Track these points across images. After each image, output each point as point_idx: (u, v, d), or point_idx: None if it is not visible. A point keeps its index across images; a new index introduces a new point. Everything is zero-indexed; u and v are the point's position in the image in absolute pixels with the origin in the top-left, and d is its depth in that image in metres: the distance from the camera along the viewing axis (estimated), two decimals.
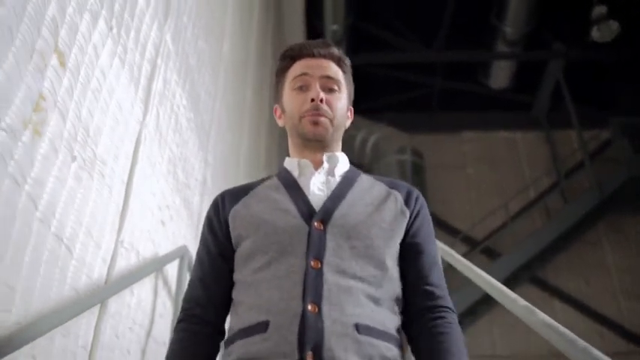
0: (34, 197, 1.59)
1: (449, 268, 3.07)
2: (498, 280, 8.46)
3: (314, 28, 10.44)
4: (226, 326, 1.31)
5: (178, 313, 1.39)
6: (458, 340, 1.21)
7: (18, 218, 1.52)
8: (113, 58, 2.18)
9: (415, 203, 1.38)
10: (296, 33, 9.81)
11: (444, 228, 11.11)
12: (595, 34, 10.99)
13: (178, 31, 3.10)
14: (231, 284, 1.31)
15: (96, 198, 2.01)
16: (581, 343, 1.51)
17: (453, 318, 1.25)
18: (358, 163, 11.12)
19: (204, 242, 1.40)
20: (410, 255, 1.31)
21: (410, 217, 1.34)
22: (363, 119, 11.35)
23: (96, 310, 2.06)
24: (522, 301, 1.91)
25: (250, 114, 5.78)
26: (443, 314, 1.25)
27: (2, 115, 1.43)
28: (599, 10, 10.96)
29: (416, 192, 1.43)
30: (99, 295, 1.99)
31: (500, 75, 12.00)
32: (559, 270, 10.71)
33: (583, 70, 11.96)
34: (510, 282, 9.87)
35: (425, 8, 11.33)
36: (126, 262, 2.29)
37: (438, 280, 1.31)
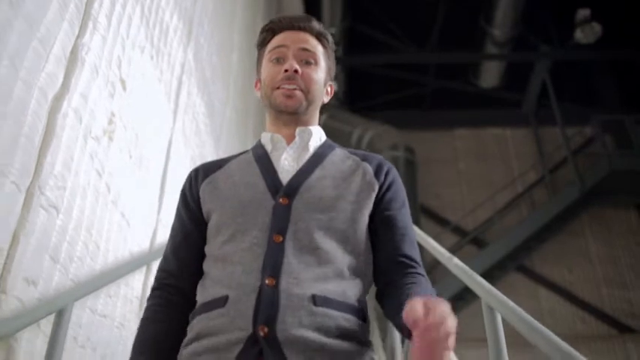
0: (109, 184, 2.26)
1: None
2: (485, 267, 9.23)
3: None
4: None
5: None
6: (426, 287, 1.22)
7: (99, 200, 2.18)
8: (154, 80, 2.85)
9: (386, 176, 1.35)
10: None
11: (435, 219, 11.74)
12: (579, 35, 11.60)
13: (197, 51, 3.76)
14: (203, 256, 1.31)
15: (144, 185, 2.68)
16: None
17: (424, 278, 1.25)
18: None
19: (178, 215, 1.40)
20: (382, 228, 1.30)
21: (380, 190, 1.32)
22: (360, 117, 11.94)
23: (144, 269, 2.73)
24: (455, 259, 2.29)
25: (254, 116, 6.44)
26: (415, 275, 1.25)
27: (93, 128, 2.09)
28: (583, 13, 11.56)
29: (387, 164, 1.39)
30: (145, 259, 2.65)
31: (489, 74, 12.57)
32: (544, 259, 11.32)
33: (568, 70, 12.53)
34: (497, 270, 10.56)
35: (418, 12, 11.92)
36: (163, 235, 2.96)
37: (410, 251, 1.29)
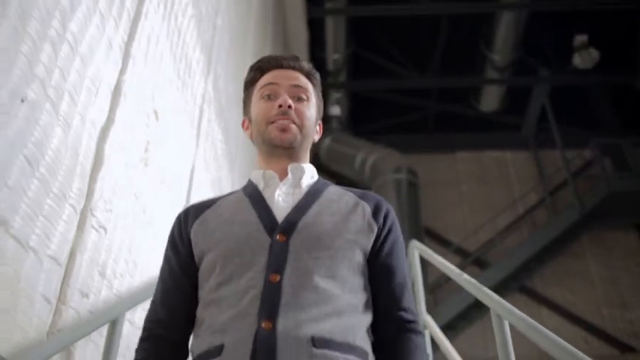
0: (144, 207, 2.47)
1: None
2: (488, 287, 9.40)
3: (317, 58, 11.29)
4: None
5: None
6: (421, 356, 1.23)
7: (137, 221, 2.38)
8: (180, 110, 3.06)
9: (385, 219, 1.33)
10: None
11: (438, 240, 11.91)
12: (577, 60, 11.87)
13: (216, 80, 3.98)
14: (195, 303, 1.27)
15: (172, 208, 2.88)
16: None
17: (421, 341, 1.26)
18: (358, 182, 12.01)
19: (166, 260, 1.36)
20: (381, 277, 1.29)
21: (379, 234, 1.30)
22: (363, 141, 12.16)
23: None
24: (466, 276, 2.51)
25: None
26: (412, 337, 1.25)
27: (132, 156, 2.30)
28: (580, 39, 11.84)
29: (385, 205, 1.37)
30: None
31: (490, 98, 12.81)
32: (546, 280, 11.47)
33: (567, 94, 12.78)
34: (500, 290, 10.68)
35: (420, 38, 12.20)
36: None
37: (409, 304, 1.29)
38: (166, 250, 1.37)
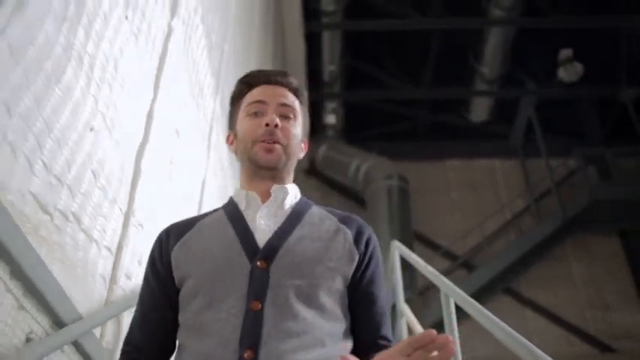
0: (171, 208, 3.00)
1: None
2: (474, 289, 9.98)
3: (314, 69, 11.83)
4: None
5: None
6: None
7: (166, 219, 2.92)
8: (195, 128, 3.61)
9: (366, 246, 1.32)
10: (298, 75, 11.21)
11: (427, 244, 12.44)
12: (562, 74, 12.44)
13: (222, 99, 4.52)
14: (175, 327, 1.26)
15: (187, 215, 3.42)
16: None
17: None
18: (352, 188, 12.55)
19: (146, 282, 1.35)
20: (362, 305, 1.28)
21: (360, 262, 1.29)
22: (357, 149, 12.73)
23: None
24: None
25: None
26: None
27: (160, 169, 2.84)
28: (565, 52, 12.41)
29: (367, 231, 1.36)
30: None
31: (479, 109, 13.38)
32: (530, 283, 12.01)
33: (553, 105, 13.36)
34: (485, 292, 11.23)
35: (412, 51, 12.77)
36: None
37: (388, 332, 1.30)
38: (146, 270, 1.36)
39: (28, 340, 1.66)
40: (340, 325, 1.22)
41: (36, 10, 1.69)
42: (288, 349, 1.09)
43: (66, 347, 1.88)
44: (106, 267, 2.24)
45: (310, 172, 13.17)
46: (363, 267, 1.29)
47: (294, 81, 1.45)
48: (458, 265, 12.22)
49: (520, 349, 1.71)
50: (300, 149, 1.44)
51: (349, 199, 12.99)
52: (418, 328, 3.46)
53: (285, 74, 1.46)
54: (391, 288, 4.34)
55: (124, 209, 2.43)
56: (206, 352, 1.11)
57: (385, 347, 1.21)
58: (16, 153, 1.62)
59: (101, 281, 2.20)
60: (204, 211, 3.83)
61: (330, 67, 12.04)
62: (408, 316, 3.77)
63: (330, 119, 13.04)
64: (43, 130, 1.76)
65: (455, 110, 13.74)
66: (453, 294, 2.40)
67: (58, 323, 1.81)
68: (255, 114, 1.37)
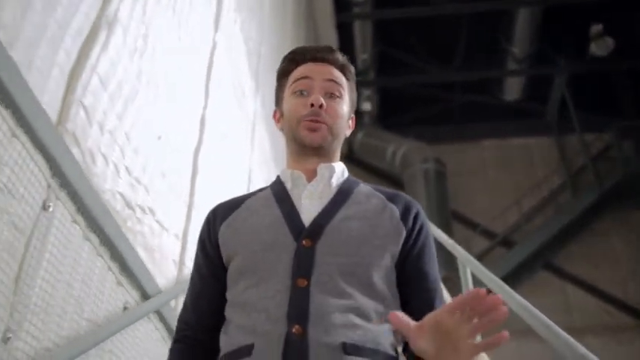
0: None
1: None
2: (513, 266, 10.27)
3: (347, 58, 12.15)
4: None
5: None
6: None
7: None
8: (240, 128, 4.04)
9: (414, 221, 1.29)
10: None
11: (466, 224, 12.71)
12: (593, 49, 12.53)
13: (263, 98, 4.94)
14: (224, 303, 1.25)
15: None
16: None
17: None
18: (390, 173, 12.89)
19: (196, 262, 1.37)
20: (413, 281, 1.26)
21: (408, 238, 1.26)
22: (393, 134, 13.04)
23: None
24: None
25: None
26: None
27: (215, 165, 3.28)
28: (596, 28, 12.49)
29: (415, 207, 1.33)
30: None
31: (512, 88, 13.52)
32: (570, 257, 12.14)
33: (587, 80, 13.42)
34: (525, 268, 11.48)
35: (442, 35, 12.99)
36: None
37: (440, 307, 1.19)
38: (196, 252, 1.38)
39: (125, 308, 2.12)
40: (388, 302, 1.20)
41: (116, 48, 2.13)
42: (335, 324, 1.09)
43: (151, 315, 2.33)
44: (175, 251, 2.69)
45: (348, 159, 13.49)
46: (410, 242, 1.26)
47: (341, 57, 1.41)
48: (497, 243, 12.45)
49: (524, 313, 2.05)
50: (347, 127, 1.40)
51: (387, 184, 13.29)
52: None
53: (331, 50, 1.41)
54: None
55: (187, 202, 2.88)
56: (254, 325, 1.12)
57: None
58: (107, 161, 2.07)
59: (172, 263, 2.65)
60: None
61: (362, 55, 12.35)
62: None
63: (366, 106, 13.35)
64: (124, 142, 2.20)
65: (488, 91, 13.88)
66: (468, 263, 2.78)
67: (145, 296, 2.27)
68: (301, 92, 1.34)
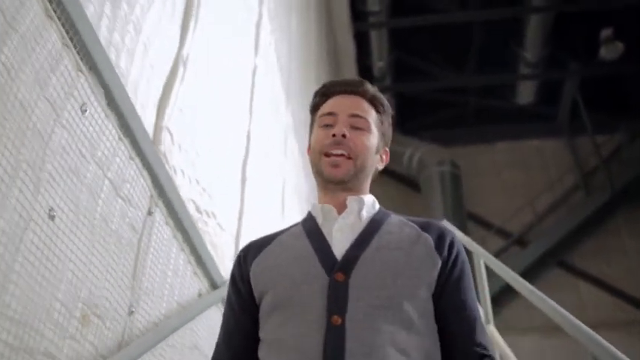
0: (267, 205, 3.90)
1: None
2: (528, 264, 10.73)
3: (364, 66, 12.60)
4: None
5: None
6: None
7: (267, 213, 3.81)
8: (273, 138, 4.50)
9: (449, 251, 1.25)
10: (350, 73, 11.99)
11: (481, 224, 13.08)
12: (603, 53, 12.88)
13: (292, 110, 5.39)
14: (257, 343, 1.24)
15: (273, 201, 4.31)
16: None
17: None
18: (406, 176, 13.30)
19: (228, 301, 1.36)
20: (451, 314, 1.22)
21: (444, 268, 1.23)
22: (410, 138, 13.46)
23: None
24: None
25: None
26: None
27: (258, 175, 3.74)
28: (606, 32, 12.83)
29: (450, 235, 1.29)
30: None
31: (524, 92, 13.84)
32: (583, 256, 12.46)
33: (598, 82, 13.76)
34: (539, 266, 11.85)
35: (455, 42, 13.38)
36: None
37: (482, 338, 1.23)
38: (228, 289, 1.37)
39: (199, 295, 2.58)
40: (427, 339, 1.17)
41: (189, 81, 2.60)
42: None
43: (219, 303, 2.80)
44: (231, 248, 3.16)
45: None
46: (447, 272, 1.23)
47: (370, 89, 1.40)
48: (512, 242, 12.82)
49: (530, 294, 2.47)
50: (376, 160, 1.38)
51: (405, 186, 13.73)
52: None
53: (360, 83, 1.41)
54: None
55: (239, 207, 3.34)
56: None
57: (482, 356, 1.20)
58: (184, 174, 2.54)
59: (229, 259, 3.11)
60: (286, 205, 4.74)
61: (379, 63, 12.76)
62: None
63: None
64: (195, 158, 2.67)
65: (501, 95, 14.21)
66: (482, 256, 3.21)
67: (214, 285, 2.73)
68: (327, 126, 1.33)
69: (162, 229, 2.22)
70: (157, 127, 2.29)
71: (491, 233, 12.75)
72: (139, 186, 2.03)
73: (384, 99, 1.43)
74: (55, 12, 1.56)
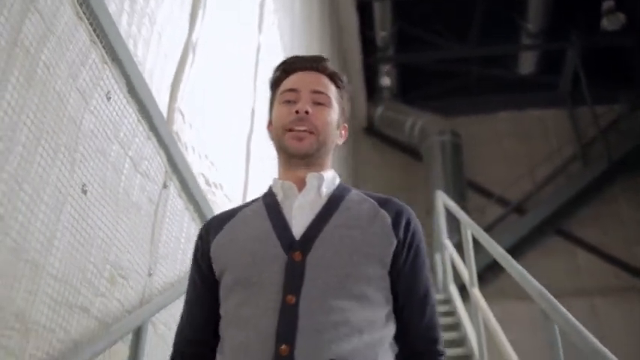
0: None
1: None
2: (526, 231, 11.04)
3: (367, 36, 12.74)
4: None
5: None
6: None
7: None
8: None
9: (405, 229, 1.27)
10: (352, 43, 12.14)
11: (481, 192, 13.32)
12: (605, 24, 12.96)
13: None
14: (218, 319, 1.26)
15: None
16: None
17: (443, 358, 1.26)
18: (408, 145, 13.52)
19: (190, 277, 1.36)
20: (403, 290, 1.26)
21: (399, 246, 1.25)
22: (412, 108, 13.64)
23: None
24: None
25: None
26: (437, 356, 1.26)
27: (262, 151, 3.99)
28: (608, 3, 12.90)
29: (406, 213, 1.31)
30: None
31: (526, 62, 13.98)
32: (581, 224, 12.68)
33: (598, 54, 13.85)
34: (537, 233, 12.11)
35: (458, 11, 13.47)
36: None
37: (432, 320, 1.28)
38: (190, 266, 1.38)
39: None
40: (381, 310, 1.21)
41: (198, 65, 2.84)
42: (323, 341, 1.10)
43: None
44: None
45: (369, 132, 14.16)
46: (402, 252, 1.25)
47: (330, 66, 1.41)
48: (511, 210, 13.05)
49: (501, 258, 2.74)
50: (336, 135, 1.38)
51: (407, 155, 13.93)
52: (459, 262, 4.42)
53: (320, 59, 1.41)
54: (436, 228, 5.40)
55: (244, 179, 3.60)
56: (244, 344, 1.13)
57: (432, 341, 1.27)
58: (195, 150, 2.80)
59: None
60: None
61: (382, 33, 12.89)
62: (449, 249, 4.80)
63: (385, 81, 13.89)
64: (204, 134, 2.92)
65: (503, 65, 14.34)
66: (469, 226, 3.46)
67: None
68: (288, 102, 1.33)
69: (176, 200, 2.48)
70: (170, 108, 2.54)
71: (491, 202, 12.98)
72: (156, 162, 2.29)
73: (342, 75, 1.44)
74: (84, 13, 1.80)
